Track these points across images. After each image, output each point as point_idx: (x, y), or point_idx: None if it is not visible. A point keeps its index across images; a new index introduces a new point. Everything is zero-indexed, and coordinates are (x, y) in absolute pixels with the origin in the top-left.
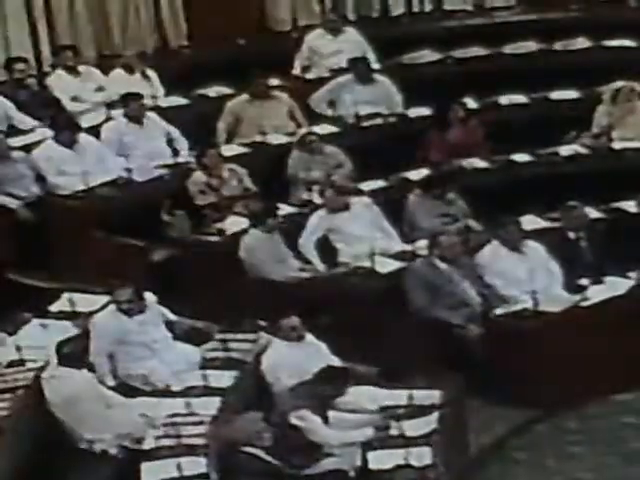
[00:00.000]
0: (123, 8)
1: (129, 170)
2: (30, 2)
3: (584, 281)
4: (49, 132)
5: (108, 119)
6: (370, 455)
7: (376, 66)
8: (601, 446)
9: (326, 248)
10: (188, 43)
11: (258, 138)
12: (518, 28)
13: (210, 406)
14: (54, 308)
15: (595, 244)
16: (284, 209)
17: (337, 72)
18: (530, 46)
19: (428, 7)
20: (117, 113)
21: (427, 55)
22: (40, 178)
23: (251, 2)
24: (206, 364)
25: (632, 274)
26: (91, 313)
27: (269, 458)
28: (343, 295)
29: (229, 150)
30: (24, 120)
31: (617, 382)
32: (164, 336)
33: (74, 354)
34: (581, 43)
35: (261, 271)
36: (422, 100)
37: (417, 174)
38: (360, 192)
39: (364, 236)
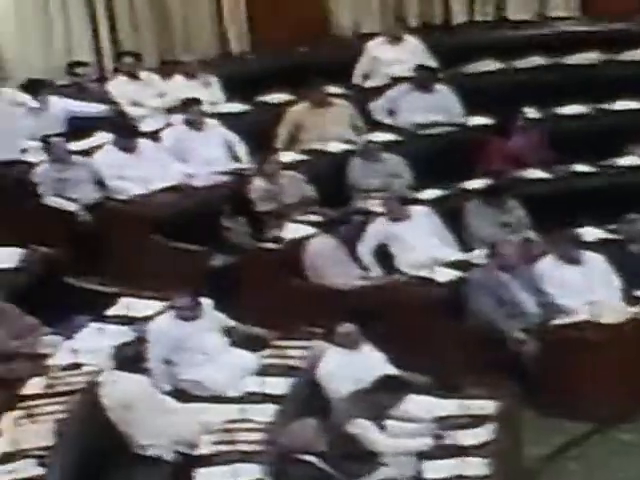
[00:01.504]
0: (185, 14)
1: (189, 176)
2: (93, 8)
3: None
4: (109, 137)
5: (168, 125)
6: (424, 465)
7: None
8: None
9: (385, 256)
10: (250, 50)
11: (318, 145)
12: (581, 38)
13: (266, 413)
14: (111, 312)
15: None
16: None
17: (397, 80)
18: (593, 57)
19: (490, 16)
20: (177, 119)
21: (488, 65)
22: (99, 182)
23: (314, 9)
24: (262, 371)
25: None
26: (148, 318)
27: (324, 466)
28: (400, 303)
29: (289, 157)
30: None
31: None
32: (221, 342)
33: (130, 359)
34: None
35: (323, 276)
36: (482, 109)
37: (476, 183)
38: (419, 201)
39: (423, 245)
